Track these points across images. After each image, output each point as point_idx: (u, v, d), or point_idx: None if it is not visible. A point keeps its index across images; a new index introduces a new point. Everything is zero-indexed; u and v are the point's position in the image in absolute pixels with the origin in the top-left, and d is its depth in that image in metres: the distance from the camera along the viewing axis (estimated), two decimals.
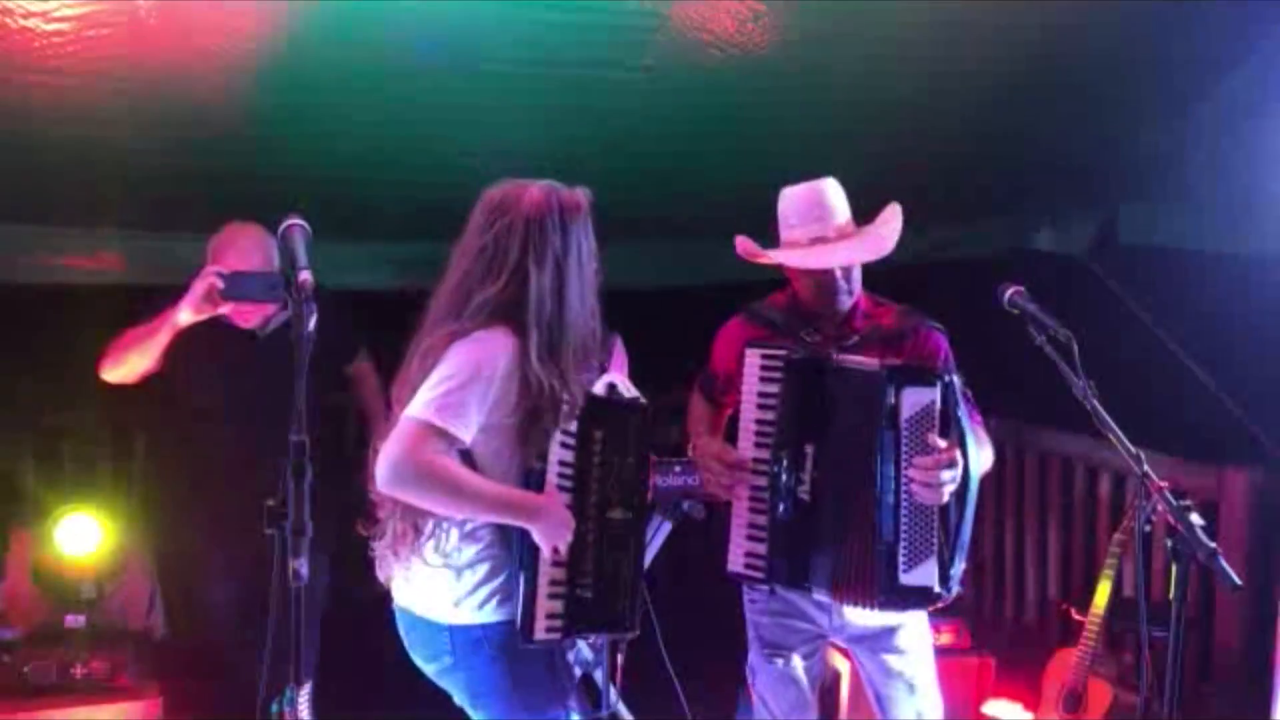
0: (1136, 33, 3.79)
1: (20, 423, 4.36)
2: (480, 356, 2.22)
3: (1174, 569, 2.10)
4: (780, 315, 2.80)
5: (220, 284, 2.77)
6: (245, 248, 3.07)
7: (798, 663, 2.81)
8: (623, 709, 3.45)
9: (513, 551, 2.31)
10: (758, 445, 2.71)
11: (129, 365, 3.04)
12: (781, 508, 2.66)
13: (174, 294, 2.91)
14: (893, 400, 2.55)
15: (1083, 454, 4.41)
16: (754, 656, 2.85)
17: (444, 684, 2.43)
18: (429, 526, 2.32)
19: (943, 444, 2.49)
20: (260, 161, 3.60)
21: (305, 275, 2.03)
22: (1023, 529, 4.76)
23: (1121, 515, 3.75)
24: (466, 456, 2.24)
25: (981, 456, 2.60)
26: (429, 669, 2.42)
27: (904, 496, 2.55)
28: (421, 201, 3.57)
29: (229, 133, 3.43)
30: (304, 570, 1.86)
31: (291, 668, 1.96)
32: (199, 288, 2.83)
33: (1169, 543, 2.10)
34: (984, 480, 2.62)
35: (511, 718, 2.36)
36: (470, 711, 2.43)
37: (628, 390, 2.47)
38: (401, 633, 2.45)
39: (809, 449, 2.65)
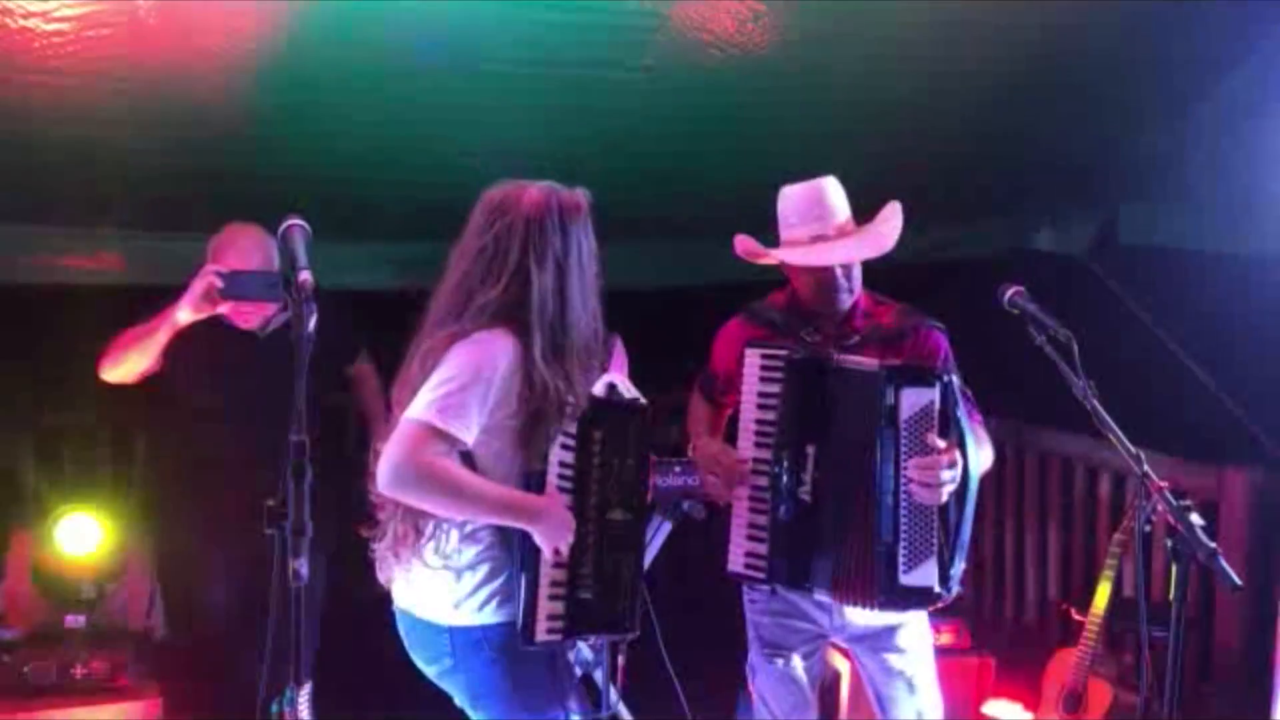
0: (1136, 33, 3.79)
1: (20, 423, 4.36)
2: (481, 358, 2.21)
3: (1174, 569, 2.10)
4: (780, 315, 2.80)
5: (219, 283, 2.77)
6: (245, 248, 3.07)
7: (798, 662, 2.81)
8: (623, 709, 3.45)
9: (513, 553, 2.31)
10: (758, 445, 2.71)
11: (128, 365, 3.04)
12: (782, 508, 2.66)
13: (174, 294, 2.91)
14: (892, 401, 2.55)
15: (1083, 454, 4.41)
16: (754, 656, 2.85)
17: (444, 685, 2.43)
18: (429, 528, 2.32)
19: (942, 444, 2.49)
20: (260, 161, 3.60)
21: (305, 275, 2.03)
22: (1023, 529, 4.76)
23: (1121, 515, 3.75)
24: (467, 458, 2.24)
25: (981, 456, 2.60)
26: (429, 670, 2.42)
27: (904, 497, 2.55)
28: (422, 202, 3.58)
29: (229, 133, 3.43)
30: (304, 570, 1.86)
31: (291, 668, 1.96)
32: (198, 286, 2.83)
33: (1169, 543, 2.10)
34: (984, 480, 2.62)
35: (512, 718, 2.36)
36: (470, 713, 2.42)
37: (628, 391, 2.47)
38: (402, 634, 2.45)
39: (810, 449, 2.65)
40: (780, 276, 2.85)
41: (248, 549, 2.86)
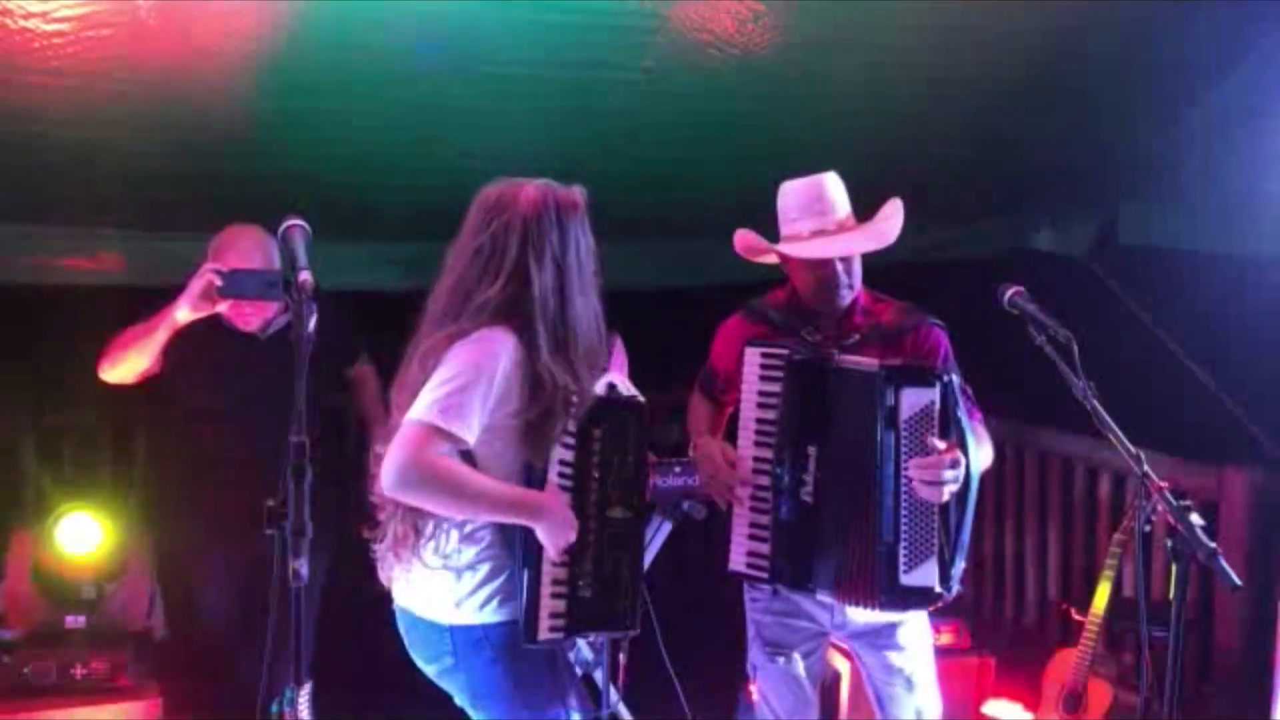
0: (1134, 37, 3.79)
1: (20, 423, 4.35)
2: (481, 356, 2.21)
3: (1174, 569, 2.10)
4: (780, 313, 2.80)
5: (219, 281, 2.76)
6: (246, 249, 3.06)
7: (799, 661, 2.81)
8: (623, 709, 3.45)
9: (514, 552, 2.31)
10: (758, 444, 2.71)
11: (128, 364, 3.03)
12: (784, 508, 2.67)
13: (174, 294, 2.90)
14: (892, 401, 2.55)
15: (1083, 454, 4.41)
16: (756, 655, 2.85)
17: (444, 684, 2.43)
18: (429, 528, 2.32)
19: (942, 445, 2.49)
20: (260, 162, 3.60)
21: (305, 275, 2.03)
22: (1023, 529, 4.76)
23: (1121, 515, 3.75)
24: (467, 457, 2.24)
25: (981, 454, 2.60)
26: (429, 669, 2.42)
27: (904, 497, 2.56)
28: (422, 203, 3.58)
29: (229, 133, 3.43)
30: (304, 570, 1.86)
31: (291, 668, 1.96)
32: (197, 285, 2.83)
33: (1169, 543, 2.10)
34: (984, 480, 2.62)
35: (513, 717, 2.36)
36: (471, 712, 2.42)
37: (626, 389, 2.47)
38: (402, 633, 2.45)
39: (811, 450, 2.65)
40: (780, 277, 2.85)
41: (248, 549, 2.87)
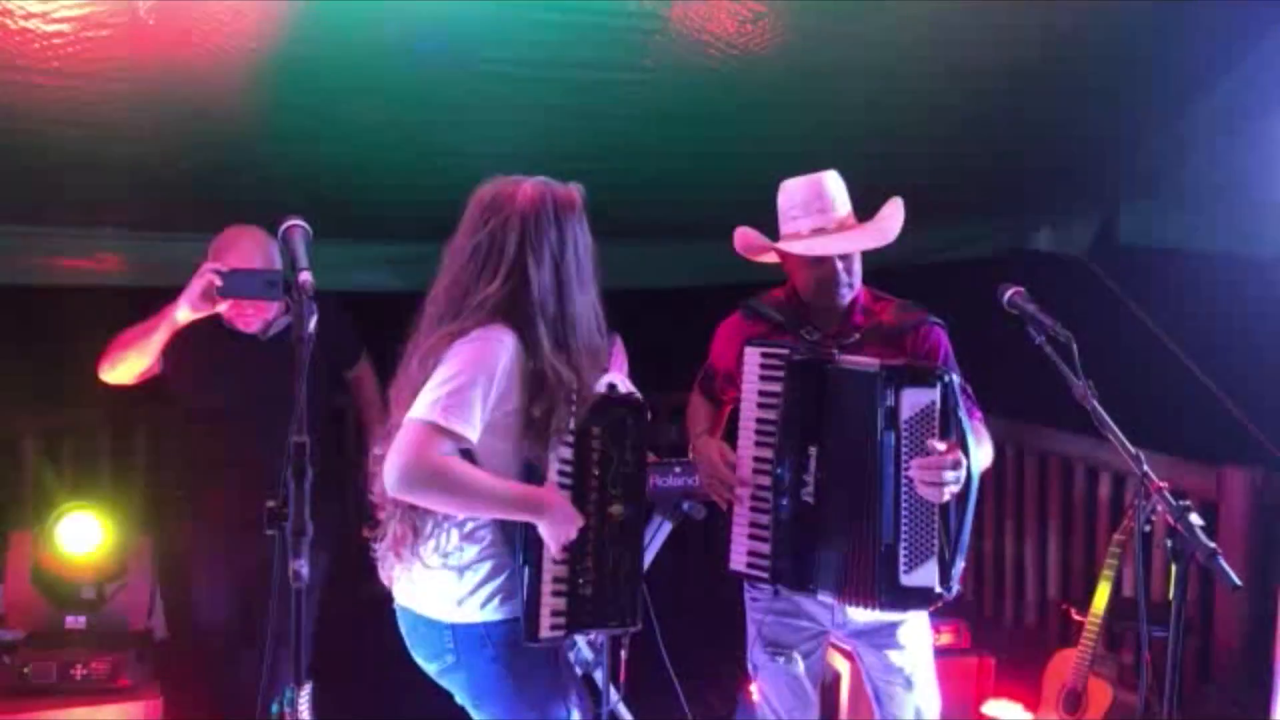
0: (1136, 34, 3.79)
1: (21, 423, 4.36)
2: (481, 355, 2.21)
3: (1174, 569, 2.10)
4: (779, 312, 2.80)
5: (219, 281, 2.76)
6: (246, 249, 3.06)
7: (800, 660, 2.81)
8: (622, 709, 3.45)
9: (514, 550, 2.31)
10: (758, 444, 2.71)
11: (127, 365, 3.03)
12: (785, 509, 2.66)
13: (174, 295, 2.91)
14: (892, 401, 2.55)
15: (1083, 454, 4.41)
16: (756, 654, 2.85)
17: (445, 683, 2.43)
18: (428, 527, 2.32)
19: (942, 445, 2.49)
20: (260, 162, 3.60)
21: (306, 275, 2.03)
22: (1023, 529, 4.76)
23: (1121, 515, 3.75)
24: (467, 455, 2.24)
25: (981, 454, 2.60)
26: (430, 668, 2.42)
27: (904, 497, 2.56)
28: (422, 203, 3.57)
29: (229, 133, 3.43)
30: (304, 571, 1.86)
31: (291, 668, 1.96)
32: (197, 285, 2.83)
33: (1169, 543, 2.10)
34: (984, 480, 2.62)
35: (514, 716, 2.36)
36: (472, 711, 2.43)
37: (626, 389, 2.48)
38: (403, 632, 2.45)
39: (811, 450, 2.65)
40: (780, 279, 2.85)
41: (248, 550, 2.87)
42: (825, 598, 2.71)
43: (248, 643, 3.13)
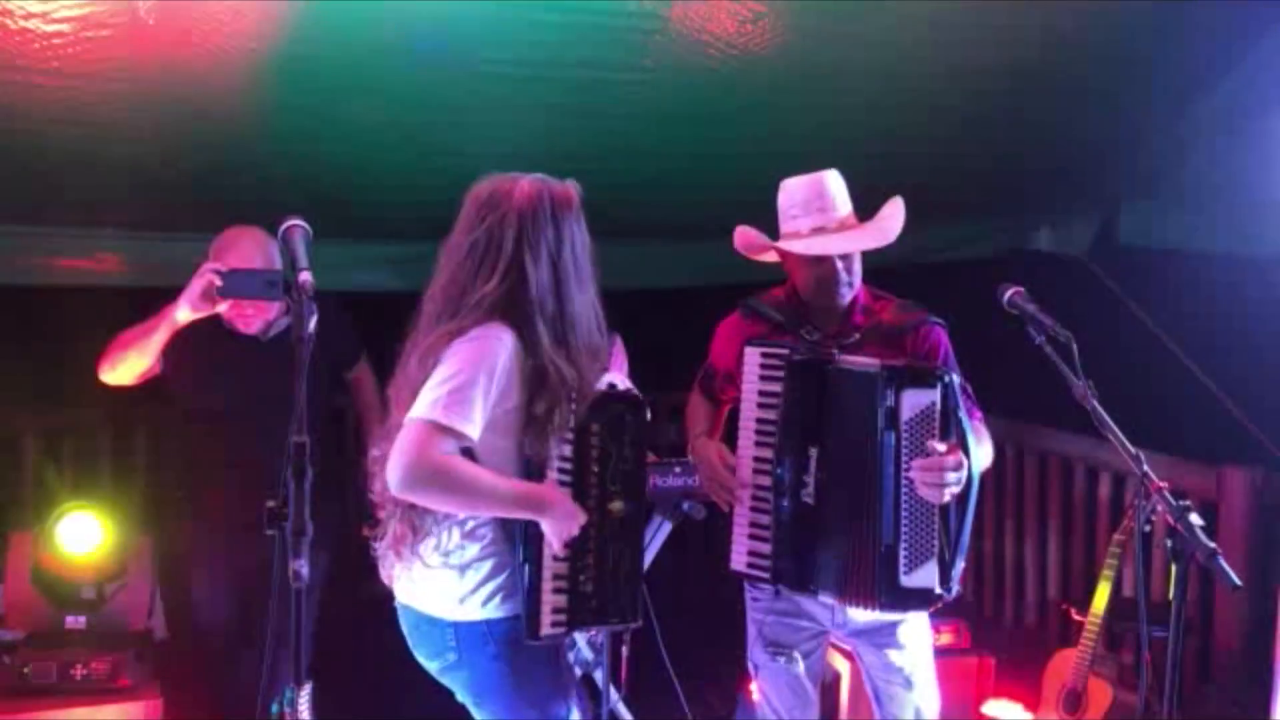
0: (1136, 34, 3.79)
1: (21, 423, 4.36)
2: (481, 353, 2.21)
3: (1174, 569, 2.10)
4: (779, 311, 2.79)
5: (219, 281, 2.76)
6: (246, 249, 3.06)
7: (800, 660, 2.81)
8: (622, 708, 3.46)
9: (515, 548, 2.31)
10: (759, 444, 2.71)
11: (127, 365, 3.03)
12: (785, 510, 2.66)
13: (174, 295, 2.91)
14: (892, 402, 2.55)
15: (1083, 454, 4.41)
16: (757, 654, 2.85)
17: (447, 681, 2.43)
18: (428, 526, 2.32)
19: (943, 447, 2.49)
20: (260, 162, 3.60)
21: (306, 276, 2.03)
22: (1023, 529, 4.76)
23: (1121, 515, 3.75)
24: (466, 453, 2.24)
25: (981, 454, 2.60)
26: (432, 666, 2.42)
27: (904, 498, 2.55)
28: (422, 203, 3.58)
29: (229, 134, 3.43)
30: (304, 571, 1.86)
31: (291, 668, 1.96)
32: (197, 285, 2.83)
33: (1169, 543, 2.10)
34: (984, 480, 2.62)
35: (515, 714, 2.36)
36: (473, 709, 2.42)
37: (624, 386, 2.48)
38: (404, 630, 2.45)
39: (812, 450, 2.65)
40: (780, 279, 2.85)
41: (248, 550, 2.87)
42: (826, 599, 2.71)
43: (248, 643, 3.13)
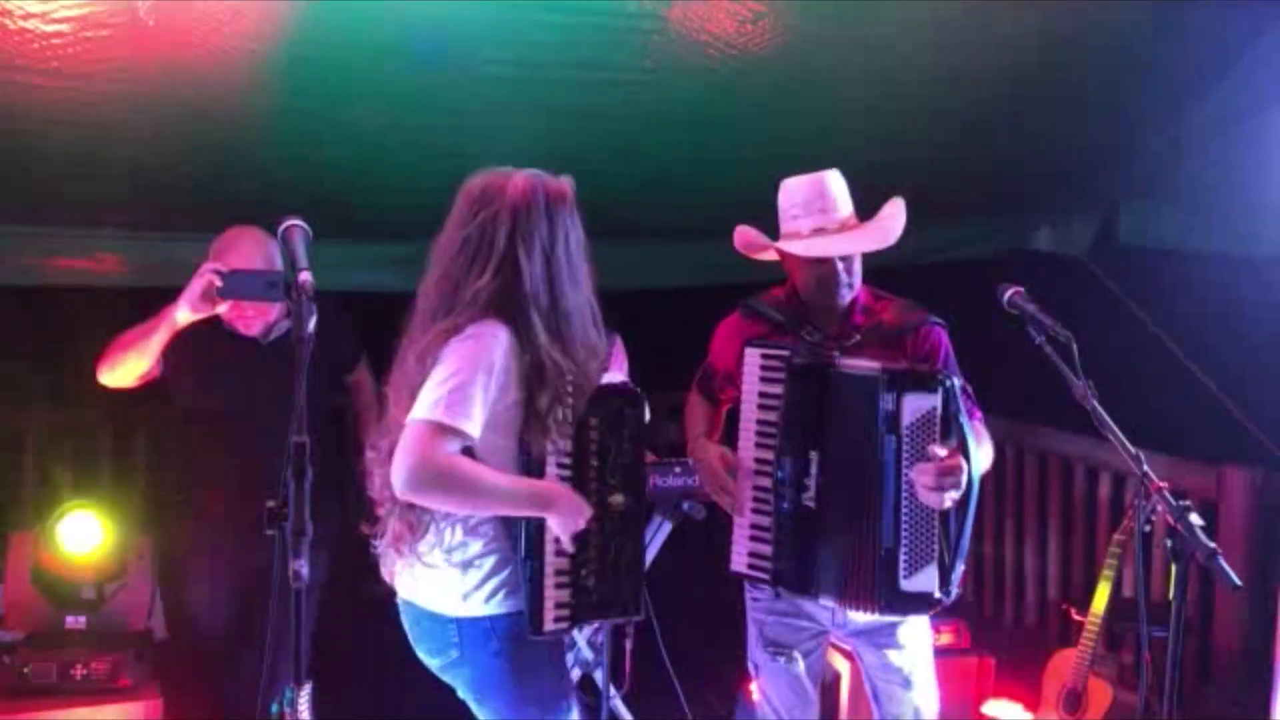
0: (1134, 36, 3.79)
1: (21, 423, 4.36)
2: (478, 351, 2.21)
3: (1174, 569, 2.10)
4: (779, 311, 2.79)
5: (219, 281, 2.76)
6: (247, 250, 3.06)
7: (800, 660, 2.81)
8: (622, 708, 3.46)
9: (516, 544, 2.31)
10: (759, 445, 2.71)
11: (127, 367, 3.03)
12: (786, 513, 2.66)
13: (174, 295, 2.90)
14: (893, 406, 2.54)
15: (1083, 454, 4.41)
16: (757, 654, 2.85)
17: (449, 678, 2.42)
18: (428, 524, 2.32)
19: (943, 451, 2.48)
20: (260, 162, 3.60)
21: (305, 276, 2.03)
22: (1023, 529, 4.76)
23: (1121, 515, 3.75)
24: (467, 452, 2.24)
25: (981, 455, 2.59)
26: (434, 663, 2.42)
27: (905, 502, 2.55)
28: (422, 203, 3.57)
29: (229, 134, 3.43)
30: (304, 571, 1.86)
31: (291, 668, 1.96)
32: (197, 285, 2.82)
33: (1169, 543, 2.10)
34: (984, 480, 2.62)
35: (516, 710, 2.36)
36: (475, 706, 2.42)
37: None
38: (406, 627, 2.45)
39: (813, 454, 2.64)
40: (780, 279, 2.85)
41: (248, 551, 2.87)
42: (827, 601, 2.71)
43: (248, 643, 3.12)
